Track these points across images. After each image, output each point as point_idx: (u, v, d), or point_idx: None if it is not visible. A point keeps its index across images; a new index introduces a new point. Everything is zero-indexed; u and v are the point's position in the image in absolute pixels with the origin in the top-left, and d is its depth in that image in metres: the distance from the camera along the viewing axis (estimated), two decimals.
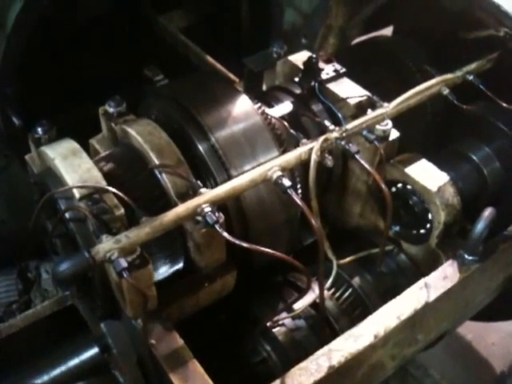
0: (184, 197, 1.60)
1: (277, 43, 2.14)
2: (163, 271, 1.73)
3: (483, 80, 2.16)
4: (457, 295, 1.93)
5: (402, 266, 2.07)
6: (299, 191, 1.92)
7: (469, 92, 2.15)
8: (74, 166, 1.59)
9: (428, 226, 1.98)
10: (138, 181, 1.68)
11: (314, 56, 2.09)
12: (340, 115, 2.01)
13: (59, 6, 2.64)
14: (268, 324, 1.85)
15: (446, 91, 2.08)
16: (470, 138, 2.31)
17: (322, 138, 1.77)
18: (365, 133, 1.87)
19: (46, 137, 1.71)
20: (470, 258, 1.88)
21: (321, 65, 2.11)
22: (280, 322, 1.87)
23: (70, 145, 1.67)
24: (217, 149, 1.73)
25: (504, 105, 2.14)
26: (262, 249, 1.52)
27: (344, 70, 2.15)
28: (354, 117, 1.95)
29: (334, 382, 1.67)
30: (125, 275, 1.40)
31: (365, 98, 2.05)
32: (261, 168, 1.68)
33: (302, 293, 1.76)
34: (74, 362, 1.74)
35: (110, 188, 1.54)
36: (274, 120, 1.93)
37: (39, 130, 1.71)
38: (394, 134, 1.96)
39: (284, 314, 1.88)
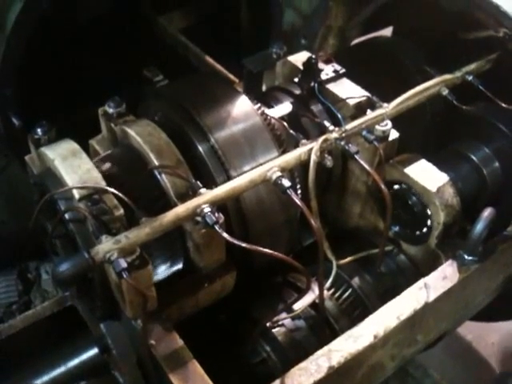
0: (184, 197, 1.60)
1: (276, 44, 2.14)
2: (163, 272, 1.73)
3: (482, 80, 2.16)
4: (456, 295, 1.93)
5: (402, 267, 2.07)
6: (299, 192, 1.92)
7: (468, 92, 2.15)
8: (73, 167, 1.59)
9: (427, 226, 1.98)
10: (138, 181, 1.68)
11: (313, 56, 2.09)
12: (339, 116, 2.01)
13: (59, 6, 2.64)
14: (268, 324, 1.85)
15: (445, 92, 2.09)
16: (469, 139, 2.31)
17: (321, 139, 1.77)
18: (364, 133, 1.87)
19: (45, 137, 1.71)
20: (470, 258, 1.88)
21: (320, 65, 2.11)
22: (280, 323, 1.87)
23: (69, 145, 1.67)
24: (216, 149, 1.73)
25: (503, 105, 2.14)
26: (262, 249, 1.52)
27: (343, 70, 2.15)
28: (354, 117, 1.95)
29: (334, 382, 1.68)
30: (124, 276, 1.39)
31: (364, 98, 2.05)
32: (260, 168, 1.68)
33: (302, 293, 1.76)
34: (73, 362, 1.74)
35: (110, 189, 1.54)
36: (273, 120, 1.93)
37: (39, 130, 1.71)
38: (394, 135, 1.96)
39: (284, 315, 1.88)
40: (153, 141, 1.69)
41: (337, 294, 1.97)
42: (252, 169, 1.70)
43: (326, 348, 1.67)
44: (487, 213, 1.83)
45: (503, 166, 2.25)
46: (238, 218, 1.74)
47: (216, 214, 1.54)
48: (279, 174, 1.65)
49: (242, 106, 1.83)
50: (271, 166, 1.68)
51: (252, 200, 1.74)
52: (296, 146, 1.83)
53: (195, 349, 1.61)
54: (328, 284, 1.95)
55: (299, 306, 1.87)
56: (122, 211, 1.53)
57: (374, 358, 1.79)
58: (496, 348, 3.50)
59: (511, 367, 3.35)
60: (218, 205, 1.59)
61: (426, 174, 1.96)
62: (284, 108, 2.04)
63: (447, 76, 2.12)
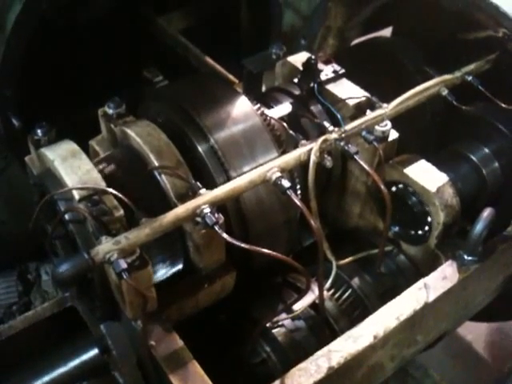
0: (183, 198, 1.61)
1: (276, 44, 2.14)
2: (163, 272, 1.73)
3: (482, 81, 2.16)
4: (456, 296, 1.93)
5: (402, 267, 2.07)
6: (298, 192, 1.93)
7: (468, 92, 2.15)
8: (73, 168, 1.59)
9: (427, 226, 1.98)
10: (138, 182, 1.68)
11: (313, 57, 2.09)
12: (339, 116, 2.01)
13: (59, 6, 2.64)
14: (267, 325, 1.85)
15: (444, 92, 2.09)
16: (469, 139, 2.31)
17: (321, 139, 1.77)
18: (364, 133, 1.87)
19: (45, 138, 1.71)
20: (470, 258, 1.88)
21: (320, 66, 2.11)
22: (280, 323, 1.87)
23: (69, 146, 1.67)
24: (216, 150, 1.73)
25: (503, 105, 2.14)
26: (262, 250, 1.52)
27: (343, 70, 2.15)
28: (353, 118, 1.95)
29: (334, 382, 1.67)
30: (124, 276, 1.40)
31: (364, 98, 2.05)
32: (260, 169, 1.68)
33: (302, 293, 1.76)
34: (73, 363, 1.74)
35: (110, 189, 1.54)
36: (273, 121, 1.93)
37: (39, 131, 1.71)
38: (393, 135, 1.96)
39: (283, 315, 1.88)
40: (153, 141, 1.70)
41: (337, 295, 1.97)
42: (252, 169, 1.70)
43: (325, 348, 1.67)
44: (487, 213, 1.83)
45: (503, 166, 2.26)
46: (237, 219, 1.74)
47: (216, 215, 1.54)
48: (279, 174, 1.65)
49: (242, 107, 1.84)
50: (271, 166, 1.68)
51: (252, 200, 1.74)
52: (296, 146, 1.83)
53: (195, 349, 1.61)
54: (328, 284, 1.95)
55: (299, 306, 1.87)
56: (121, 212, 1.53)
57: (374, 359, 1.79)
58: (496, 348, 3.50)
59: (511, 367, 3.35)
60: (218, 205, 1.59)
61: (426, 175, 1.96)
62: (284, 108, 2.04)
63: (447, 76, 2.12)
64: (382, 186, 1.78)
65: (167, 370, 1.56)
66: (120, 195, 1.54)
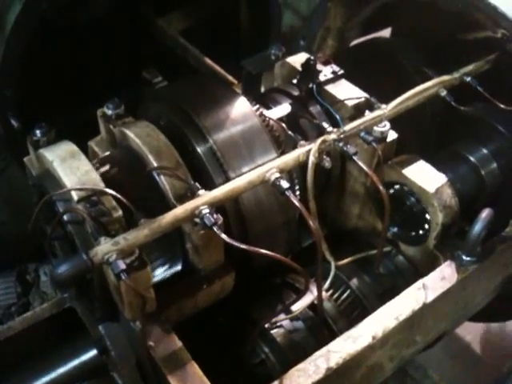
0: (182, 199, 1.61)
1: (275, 45, 2.14)
2: (162, 273, 1.74)
3: (481, 81, 2.16)
4: (455, 296, 1.93)
5: (400, 267, 2.07)
6: (297, 193, 1.93)
7: (468, 93, 2.15)
8: (72, 169, 1.59)
9: (426, 227, 1.98)
10: (137, 183, 1.69)
11: (312, 58, 2.09)
12: (338, 117, 2.01)
13: (59, 6, 2.64)
14: (266, 325, 1.85)
15: (443, 93, 2.09)
16: (468, 139, 2.31)
17: (319, 140, 1.78)
18: (363, 134, 1.87)
19: (44, 139, 1.71)
20: (468, 258, 1.88)
21: (319, 67, 2.11)
22: (278, 324, 1.87)
23: (68, 147, 1.67)
24: (215, 151, 1.73)
25: (502, 106, 2.14)
26: (260, 250, 1.52)
27: (342, 71, 2.15)
28: (352, 118, 1.95)
29: (333, 383, 1.68)
30: (123, 277, 1.40)
31: (363, 99, 2.05)
32: (259, 170, 1.68)
33: (300, 294, 1.76)
34: (72, 364, 1.74)
35: (108, 190, 1.54)
36: (272, 122, 1.93)
37: (38, 132, 1.71)
38: (392, 136, 1.96)
39: (282, 316, 1.88)
40: (152, 142, 1.70)
41: (335, 295, 1.97)
42: (251, 170, 1.70)
43: (324, 349, 1.67)
44: (485, 213, 1.83)
45: (501, 167, 2.25)
46: (236, 220, 1.74)
47: (215, 216, 1.54)
48: (278, 175, 1.65)
49: (241, 108, 1.84)
50: (270, 167, 1.68)
51: (251, 201, 1.74)
52: (294, 147, 1.83)
53: (194, 350, 1.61)
54: (326, 285, 1.94)
55: (298, 307, 1.87)
56: (120, 213, 1.53)
57: (373, 359, 1.79)
58: (496, 348, 3.50)
59: (510, 367, 3.35)
60: (217, 206, 1.59)
61: (425, 175, 1.96)
62: (282, 109, 2.04)
63: (445, 77, 2.12)
64: (381, 187, 1.78)
65: (166, 370, 1.56)
66: (119, 196, 1.54)
